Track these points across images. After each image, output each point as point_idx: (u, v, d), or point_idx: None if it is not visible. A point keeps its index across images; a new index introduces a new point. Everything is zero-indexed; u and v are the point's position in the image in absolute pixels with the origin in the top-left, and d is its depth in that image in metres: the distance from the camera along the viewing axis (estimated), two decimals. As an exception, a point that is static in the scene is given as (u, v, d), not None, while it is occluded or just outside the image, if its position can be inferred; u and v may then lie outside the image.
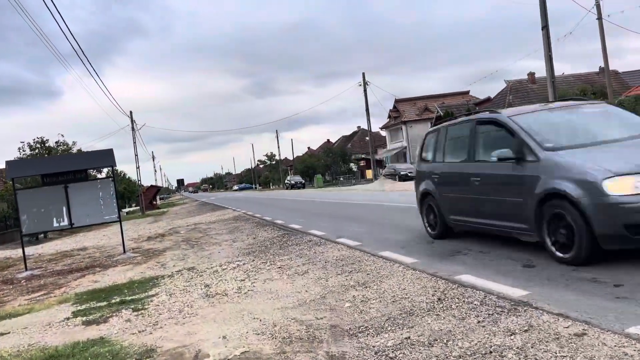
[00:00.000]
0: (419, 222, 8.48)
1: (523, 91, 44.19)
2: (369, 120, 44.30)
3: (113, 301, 6.86)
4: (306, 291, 5.69)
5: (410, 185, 30.15)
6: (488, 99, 47.00)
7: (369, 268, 6.28)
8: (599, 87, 36.11)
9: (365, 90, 43.13)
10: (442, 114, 45.53)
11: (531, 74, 45.08)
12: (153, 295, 6.80)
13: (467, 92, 56.15)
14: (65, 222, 11.93)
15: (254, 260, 8.41)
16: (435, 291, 4.79)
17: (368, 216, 12.81)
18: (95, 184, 12.43)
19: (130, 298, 6.91)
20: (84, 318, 6.07)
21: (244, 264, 8.27)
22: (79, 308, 6.79)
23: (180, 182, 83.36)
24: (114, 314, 6.01)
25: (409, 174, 39.62)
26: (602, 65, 48.70)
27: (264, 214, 18.60)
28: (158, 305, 6.18)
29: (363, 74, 43.17)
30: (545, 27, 20.27)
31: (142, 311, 5.96)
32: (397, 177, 39.82)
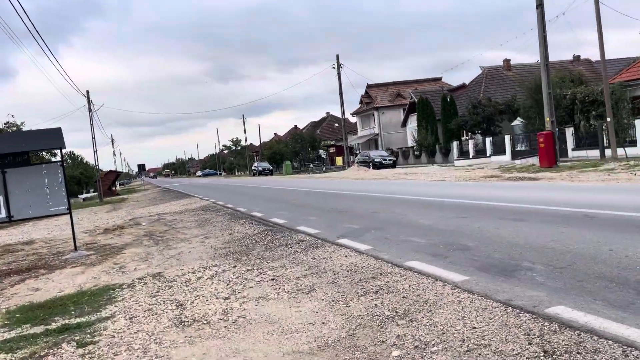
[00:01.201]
0: (435, 220, 7.00)
1: (498, 78, 43.47)
2: (342, 104, 42.75)
3: (53, 326, 5.13)
4: (323, 323, 4.09)
5: (389, 173, 29.03)
6: (463, 85, 46.13)
7: (400, 287, 4.72)
8: (577, 74, 35.57)
9: (339, 73, 41.48)
10: (416, 100, 44.41)
11: (507, 61, 44.43)
12: (107, 318, 5.10)
13: (440, 79, 55.23)
14: (3, 215, 9.94)
15: (235, 266, 6.76)
16: (528, 334, 3.27)
17: (361, 209, 11.26)
18: (39, 169, 10.41)
19: (76, 321, 5.18)
20: (7, 357, 4.33)
21: (223, 270, 6.62)
22: (5, 336, 5.02)
23: (141, 167, 79.99)
24: (50, 353, 4.27)
25: (384, 162, 38.37)
26: (576, 54, 48.51)
27: (236, 203, 16.84)
28: (114, 336, 4.48)
29: (337, 55, 41.54)
30: (540, 5, 19.10)
31: (91, 347, 4.26)
32: (370, 164, 38.50)
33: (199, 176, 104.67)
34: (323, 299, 4.72)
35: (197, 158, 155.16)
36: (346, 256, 6.35)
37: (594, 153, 25.24)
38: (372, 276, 5.24)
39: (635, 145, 23.22)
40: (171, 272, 7.08)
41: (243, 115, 73.37)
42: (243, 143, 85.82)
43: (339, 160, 55.06)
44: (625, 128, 23.15)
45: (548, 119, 19.96)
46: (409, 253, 5.98)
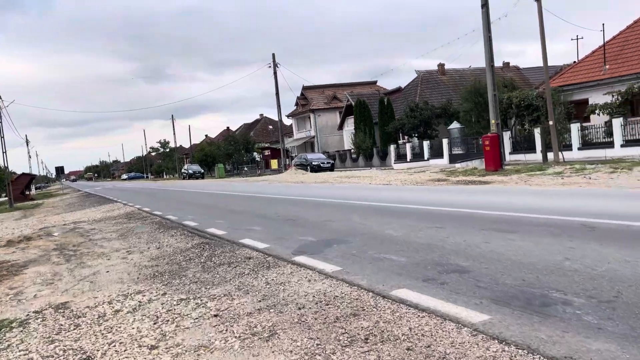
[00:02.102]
0: (406, 231, 5.82)
1: (433, 82, 43.75)
2: (278, 104, 41.27)
3: None
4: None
5: (330, 176, 27.92)
6: (399, 89, 46.09)
7: (398, 331, 3.44)
8: (509, 80, 36.23)
9: (275, 73, 39.99)
10: (353, 102, 43.80)
11: (441, 65, 44.82)
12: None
13: (375, 82, 55.14)
14: None
15: (165, 294, 5.26)
16: None
17: (313, 217, 9.95)
18: None
19: None
20: None
21: (149, 300, 5.11)
22: None
23: (59, 169, 74.13)
24: None
25: (322, 165, 37.35)
26: (505, 61, 49.91)
27: (164, 210, 15.01)
28: None
29: (273, 54, 40.04)
30: (485, 5, 18.69)
31: None
32: (308, 167, 37.34)
33: (125, 179, 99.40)
34: (291, 351, 3.36)
35: (122, 160, 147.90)
36: (310, 281, 5.01)
37: (532, 157, 25.44)
38: (353, 312, 3.93)
39: (571, 149, 23.55)
40: (81, 300, 5.46)
41: (172, 115, 70.08)
42: (172, 145, 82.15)
43: (274, 163, 53.53)
44: (561, 132, 23.39)
45: (494, 121, 19.61)
46: (391, 277, 4.74)
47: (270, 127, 76.87)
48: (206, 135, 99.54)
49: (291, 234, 7.94)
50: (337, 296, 4.38)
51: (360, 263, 5.43)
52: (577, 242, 5.22)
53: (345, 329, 3.59)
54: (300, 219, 9.77)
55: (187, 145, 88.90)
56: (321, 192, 17.06)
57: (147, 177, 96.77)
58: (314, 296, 4.46)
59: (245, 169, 53.35)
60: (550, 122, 21.07)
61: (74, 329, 4.48)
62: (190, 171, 58.00)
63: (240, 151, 60.61)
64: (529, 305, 3.58)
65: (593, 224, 6.04)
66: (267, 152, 59.71)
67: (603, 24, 29.21)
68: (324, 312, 4.02)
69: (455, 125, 32.39)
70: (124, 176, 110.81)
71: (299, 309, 4.18)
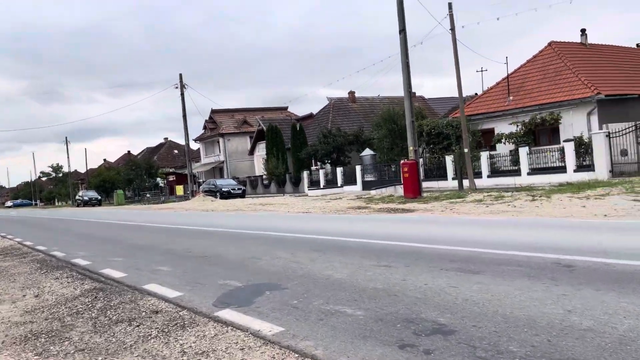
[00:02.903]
0: (351, 271, 4.73)
1: (344, 109, 43.93)
2: (186, 126, 39.11)
3: None
4: None
5: (242, 203, 26.25)
6: (311, 115, 45.80)
7: None
8: (417, 109, 37.07)
9: (182, 94, 37.91)
10: (264, 127, 42.72)
11: (351, 93, 45.24)
12: None
13: (286, 108, 54.60)
14: None
15: (38, 374, 3.72)
16: None
17: (232, 254, 8.57)
18: None
19: None
20: None
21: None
22: None
23: None
24: None
25: (232, 191, 35.66)
26: (414, 92, 51.65)
27: (50, 245, 12.76)
28: None
29: (180, 74, 37.97)
30: (402, 30, 18.57)
31: None
32: (218, 194, 35.45)
33: (9, 207, 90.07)
34: None
35: (7, 186, 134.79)
36: (243, 349, 3.71)
37: (444, 184, 25.74)
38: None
39: (481, 177, 24.06)
40: None
41: (66, 137, 64.58)
42: (65, 169, 75.77)
43: (179, 189, 50.71)
44: (473, 160, 23.85)
45: (412, 147, 19.37)
46: (354, 342, 3.57)
47: (176, 151, 73.60)
48: (105, 160, 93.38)
49: (209, 276, 6.54)
50: (288, 377, 3.14)
51: (306, 320, 4.22)
52: (566, 287, 4.40)
53: None
54: (218, 255, 8.35)
55: (83, 170, 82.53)
56: (236, 221, 15.62)
57: (36, 204, 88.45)
58: (254, 378, 3.19)
59: (148, 195, 49.98)
60: (466, 150, 21.32)
61: None
62: (85, 198, 53.44)
63: (142, 176, 56.96)
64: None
65: (567, 262, 5.31)
66: (171, 178, 56.62)
67: (506, 57, 30.91)
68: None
69: (367, 152, 32.34)
70: (9, 203, 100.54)
71: (236, 402, 2.89)
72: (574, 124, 23.34)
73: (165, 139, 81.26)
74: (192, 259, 8.21)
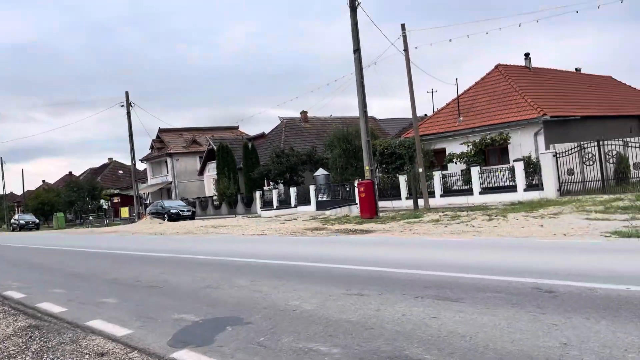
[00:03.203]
0: (319, 300, 4.32)
1: (297, 129, 43.72)
2: (132, 146, 37.63)
3: None
4: None
5: (193, 226, 25.22)
6: (263, 135, 45.30)
7: None
8: (370, 129, 37.29)
9: (128, 112, 36.58)
10: (215, 147, 41.84)
11: (304, 113, 45.13)
12: None
13: (237, 127, 53.85)
14: None
15: None
16: None
17: (185, 283, 7.94)
18: None
19: None
20: None
21: None
22: None
23: None
24: None
25: (182, 213, 34.48)
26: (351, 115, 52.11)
27: (-18, 274, 11.62)
28: None
29: (127, 92, 36.69)
30: (357, 50, 18.55)
31: None
32: (166, 216, 34.17)
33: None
34: None
35: None
36: (208, 402, 3.20)
37: (397, 203, 25.77)
38: None
39: (434, 196, 24.23)
40: None
41: (1, 157, 60.97)
42: (0, 192, 71.45)
43: (124, 212, 48.72)
44: (426, 179, 24.01)
45: (368, 167, 19.23)
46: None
47: (121, 172, 71.07)
48: (43, 181, 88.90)
49: (161, 309, 5.93)
50: None
51: (272, 355, 3.75)
52: (554, 316, 4.14)
53: None
54: (170, 285, 7.70)
55: (20, 192, 78.13)
56: (188, 246, 14.87)
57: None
58: None
59: (91, 218, 47.69)
60: (420, 170, 21.42)
61: None
62: (22, 221, 50.44)
63: (85, 198, 54.41)
64: None
65: (547, 287, 5.09)
66: (116, 200, 54.39)
67: (456, 79, 31.71)
68: None
69: (321, 172, 32.11)
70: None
71: None
72: (522, 144, 23.99)
73: (110, 159, 78.43)
74: (141, 289, 7.53)
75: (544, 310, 4.29)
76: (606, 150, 20.22)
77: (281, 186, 35.79)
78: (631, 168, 20.34)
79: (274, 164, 35.11)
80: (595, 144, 20.14)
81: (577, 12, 19.94)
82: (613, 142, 20.35)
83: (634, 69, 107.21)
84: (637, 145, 19.99)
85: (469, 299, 4.92)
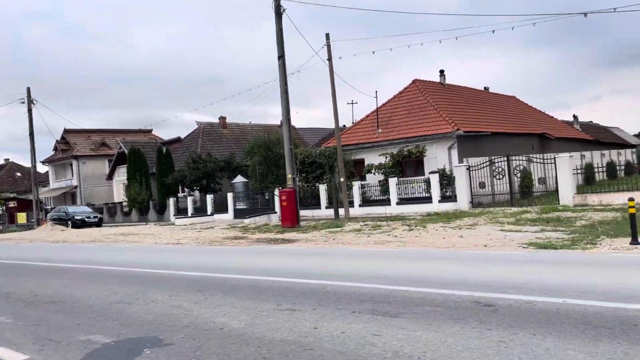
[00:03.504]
0: (250, 317, 3.93)
1: (215, 134, 42.54)
2: (33, 147, 34.64)
3: None
4: None
5: (100, 233, 23.41)
6: (178, 139, 43.57)
7: None
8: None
9: (30, 110, 33.63)
10: (126, 150, 39.61)
11: (222, 118, 44.03)
12: None
13: (150, 131, 51.47)
14: None
15: None
16: None
17: (92, 297, 7.12)
18: None
19: None
20: None
21: None
22: None
23: None
24: None
25: (87, 220, 32.19)
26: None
27: None
28: None
29: (28, 88, 33.71)
30: (281, 56, 18.25)
31: None
32: (69, 222, 31.73)
33: None
34: None
35: None
36: None
37: (317, 212, 25.66)
38: None
39: (354, 206, 24.40)
40: None
41: None
42: None
43: (22, 217, 44.76)
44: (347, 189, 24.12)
45: (290, 175, 18.90)
46: None
47: (19, 174, 65.55)
48: None
49: (65, 329, 5.20)
50: None
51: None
52: (499, 332, 4.00)
53: None
54: (75, 300, 6.87)
55: None
56: (95, 256, 13.70)
57: None
58: None
59: (-18, 223, 43.27)
60: (342, 179, 21.44)
61: None
62: None
63: (-24, 202, 49.34)
64: None
65: (485, 300, 4.99)
66: (12, 204, 49.88)
67: (376, 91, 32.06)
68: None
69: (239, 179, 31.35)
70: None
71: None
72: (438, 156, 24.82)
73: (6, 160, 72.06)
74: (41, 305, 6.64)
75: (488, 326, 4.15)
76: (514, 166, 21.39)
77: (197, 193, 34.52)
78: (535, 182, 21.66)
79: (190, 170, 33.80)
80: (505, 159, 21.23)
81: (493, 31, 20.88)
82: (520, 158, 21.58)
83: (534, 91, 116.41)
84: (539, 161, 21.33)
85: (408, 313, 4.71)
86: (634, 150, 45.78)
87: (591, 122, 54.70)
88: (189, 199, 33.12)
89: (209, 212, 30.93)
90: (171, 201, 34.35)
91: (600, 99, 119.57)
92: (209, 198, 31.53)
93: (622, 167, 28.64)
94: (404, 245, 10.88)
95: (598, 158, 34.47)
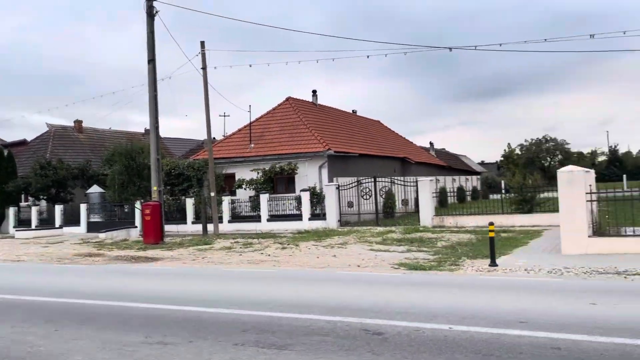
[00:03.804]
0: (112, 357, 3.36)
1: (69, 139, 38.70)
2: None
3: None
4: None
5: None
6: (24, 142, 38.86)
7: None
8: (147, 146, 35.11)
9: None
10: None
11: (78, 122, 40.26)
12: None
13: (-10, 130, 45.42)
14: None
15: None
16: None
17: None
18: None
19: None
20: None
21: None
22: None
23: None
24: None
25: None
26: (147, 127, 49.20)
27: None
28: None
29: None
30: (152, 60, 17.10)
31: None
32: None
33: None
34: None
35: None
36: None
37: (183, 228, 24.38)
38: None
39: (222, 222, 23.62)
40: None
41: None
42: None
43: None
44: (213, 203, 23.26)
45: (155, 187, 17.63)
46: None
47: None
48: None
49: None
50: None
51: None
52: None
53: None
54: None
55: None
56: None
57: None
58: None
59: None
60: (212, 194, 20.61)
61: None
62: None
63: None
64: None
65: (374, 328, 4.82)
66: None
67: (250, 105, 31.87)
68: None
69: (95, 189, 28.73)
70: None
71: None
72: (309, 175, 25.08)
73: None
74: None
75: (381, 357, 3.97)
76: (380, 187, 22.37)
77: (44, 203, 30.96)
78: (397, 203, 22.85)
79: (36, 177, 30.20)
80: (372, 180, 22.11)
81: (367, 57, 21.83)
82: (385, 180, 22.64)
83: (396, 117, 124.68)
84: (401, 183, 22.61)
85: (297, 344, 4.37)
86: (478, 177, 51.17)
87: (444, 149, 59.94)
88: (34, 209, 29.57)
89: (57, 225, 27.84)
90: (11, 211, 30.37)
91: (449, 129, 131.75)
92: (58, 209, 28.45)
93: (470, 192, 32.08)
94: (279, 264, 10.56)
95: (450, 183, 37.64)
